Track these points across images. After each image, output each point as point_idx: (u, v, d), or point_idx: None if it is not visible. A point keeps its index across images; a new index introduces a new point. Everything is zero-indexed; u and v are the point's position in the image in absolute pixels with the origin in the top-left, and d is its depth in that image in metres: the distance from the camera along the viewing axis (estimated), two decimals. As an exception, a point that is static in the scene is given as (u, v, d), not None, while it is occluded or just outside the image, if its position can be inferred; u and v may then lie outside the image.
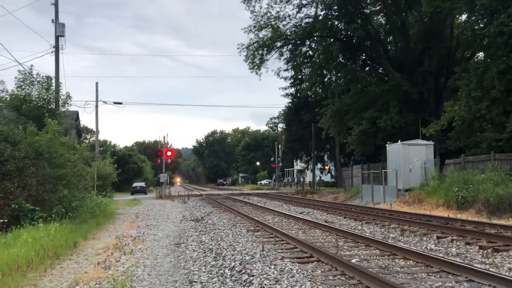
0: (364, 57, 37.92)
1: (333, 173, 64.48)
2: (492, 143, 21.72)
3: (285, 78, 51.93)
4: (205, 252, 9.33)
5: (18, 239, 9.10)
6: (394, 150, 24.69)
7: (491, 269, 7.04)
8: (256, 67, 35.82)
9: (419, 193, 20.23)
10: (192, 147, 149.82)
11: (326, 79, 41.63)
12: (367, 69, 38.16)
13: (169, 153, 40.83)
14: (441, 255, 8.41)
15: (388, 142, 26.21)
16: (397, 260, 8.06)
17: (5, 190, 11.80)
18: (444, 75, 31.19)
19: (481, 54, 28.82)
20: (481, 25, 23.53)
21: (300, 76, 50.66)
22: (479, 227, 11.73)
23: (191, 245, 10.61)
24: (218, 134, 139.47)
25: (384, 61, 33.38)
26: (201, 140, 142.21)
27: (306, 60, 39.72)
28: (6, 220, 11.22)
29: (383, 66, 35.01)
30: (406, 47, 32.84)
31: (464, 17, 29.75)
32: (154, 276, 7.40)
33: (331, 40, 36.03)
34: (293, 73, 48.21)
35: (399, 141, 24.46)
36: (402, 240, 10.64)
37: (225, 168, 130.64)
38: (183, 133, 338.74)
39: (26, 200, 12.17)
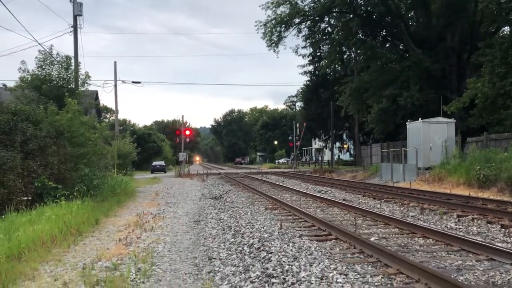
0: (384, 33, 37.18)
1: (352, 152, 64.11)
2: (516, 120, 21.25)
3: (304, 56, 51.45)
4: (224, 230, 9.43)
5: (42, 216, 9.33)
6: (415, 128, 24.38)
7: (512, 248, 6.95)
8: (274, 44, 35.48)
9: (439, 171, 20.01)
10: (210, 126, 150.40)
11: (345, 56, 41.11)
12: (387, 45, 37.44)
13: (187, 132, 41.07)
14: (461, 233, 8.34)
15: (408, 120, 25.88)
16: (416, 239, 8.02)
17: (28, 168, 12.06)
18: (467, 51, 30.43)
19: (506, 29, 27.97)
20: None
21: (318, 54, 50.06)
22: (501, 206, 11.57)
23: (210, 222, 10.73)
24: (236, 113, 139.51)
25: (405, 37, 32.67)
26: (219, 119, 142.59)
27: (324, 37, 39.16)
28: (30, 198, 11.50)
29: (403, 42, 34.29)
30: (428, 22, 32.03)
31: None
32: (174, 252, 7.53)
33: (351, 16, 35.34)
34: (311, 50, 47.68)
35: (420, 119, 24.12)
36: (421, 218, 10.58)
37: (243, 147, 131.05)
38: (201, 112, 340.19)
39: (48, 178, 12.43)
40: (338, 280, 5.02)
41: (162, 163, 53.13)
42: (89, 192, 13.44)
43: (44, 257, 7.02)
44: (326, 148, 67.18)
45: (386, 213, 11.27)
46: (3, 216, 9.59)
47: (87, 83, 21.24)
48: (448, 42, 30.73)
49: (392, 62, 34.90)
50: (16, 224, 8.57)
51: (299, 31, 36.64)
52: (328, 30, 38.71)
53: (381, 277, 5.53)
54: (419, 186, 19.15)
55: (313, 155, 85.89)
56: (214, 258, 6.91)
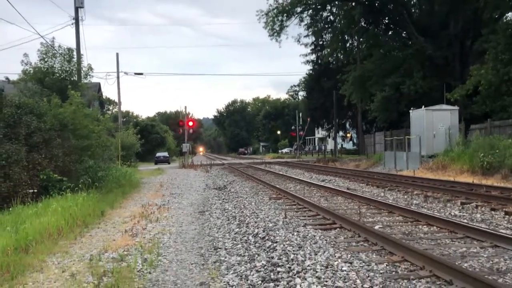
0: (387, 21, 36.88)
1: (355, 141, 64.03)
2: (520, 107, 21.15)
3: (306, 45, 51.15)
4: (228, 220, 9.48)
5: (48, 208, 9.40)
6: (418, 116, 24.30)
7: (517, 235, 6.96)
8: (275, 33, 35.26)
9: (443, 159, 19.97)
10: (213, 117, 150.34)
11: (347, 45, 40.79)
12: (390, 33, 37.16)
13: (190, 123, 41.06)
14: (465, 221, 8.36)
15: (411, 108, 25.79)
16: (420, 227, 8.05)
17: (33, 161, 12.12)
18: (470, 38, 30.19)
19: (510, 15, 27.69)
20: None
21: (321, 42, 49.72)
22: (505, 192, 11.57)
23: (214, 213, 10.79)
24: (238, 104, 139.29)
25: (408, 25, 32.42)
26: (222, 110, 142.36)
27: (327, 26, 38.89)
28: (36, 190, 11.57)
29: (406, 30, 34.03)
30: (431, 9, 31.76)
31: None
32: (179, 243, 7.59)
33: (353, 4, 35.06)
34: (313, 39, 47.32)
35: (423, 106, 24.03)
36: (425, 206, 10.60)
37: (246, 137, 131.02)
38: (204, 103, 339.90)
39: (53, 170, 12.49)
40: (343, 269, 5.06)
41: (166, 154, 53.23)
42: (94, 184, 13.51)
43: (51, 249, 7.09)
44: (329, 137, 67.11)
45: (390, 201, 11.29)
46: (10, 209, 9.67)
47: (89, 75, 21.24)
48: (451, 29, 30.48)
49: (395, 50, 34.67)
50: (22, 216, 8.65)
51: (301, 20, 36.42)
52: (330, 18, 38.46)
53: (386, 265, 5.57)
54: (422, 174, 19.14)
55: (316, 144, 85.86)
56: (220, 248, 6.96)
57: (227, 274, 5.55)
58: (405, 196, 12.62)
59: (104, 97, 48.40)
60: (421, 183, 14.94)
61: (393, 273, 5.28)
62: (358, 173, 22.02)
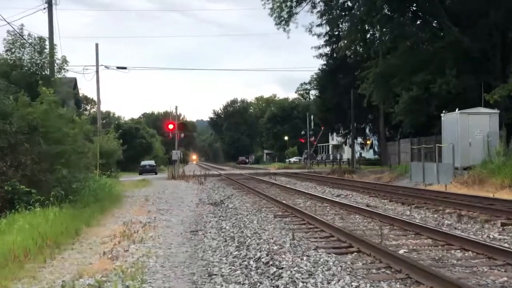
0: (414, 8, 36.95)
1: (376, 149, 63.97)
2: None
3: (319, 35, 51.20)
4: (226, 241, 9.47)
5: (13, 225, 9.42)
6: (451, 120, 24.28)
7: None
8: (283, 22, 35.45)
9: (480, 172, 19.93)
10: (208, 119, 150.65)
11: (368, 36, 40.82)
12: (418, 22, 37.22)
13: (181, 126, 41.18)
14: (506, 245, 8.33)
15: (443, 111, 25.77)
16: (453, 251, 8.03)
17: (-4, 170, 12.15)
18: (513, 28, 30.22)
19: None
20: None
21: (336, 33, 49.83)
22: (553, 212, 11.53)
23: (209, 232, 10.78)
24: (238, 104, 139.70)
25: (439, 12, 32.45)
26: (219, 111, 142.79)
27: (343, 13, 39.02)
28: (-1, 204, 11.59)
29: (437, 18, 34.08)
30: (467, -6, 31.83)
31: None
32: (168, 268, 7.58)
33: (375, -13, 35.18)
34: (328, 28, 47.41)
35: (457, 109, 24.01)
36: (459, 227, 10.58)
37: (247, 144, 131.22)
38: (198, 102, 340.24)
39: (20, 181, 12.51)
40: (361, 300, 5.05)
41: (152, 162, 53.29)
42: (67, 197, 13.52)
43: (16, 274, 7.09)
44: (345, 145, 67.01)
45: (417, 221, 11.27)
46: (-32, 226, 9.68)
47: (64, 69, 21.36)
48: (491, 18, 30.48)
49: (424, 42, 34.74)
50: (-18, 235, 8.65)
51: (314, 6, 36.63)
52: (347, 4, 38.59)
53: (412, 297, 5.55)
54: (456, 189, 19.09)
55: (330, 153, 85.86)
56: (215, 275, 6.96)
57: (223, 305, 5.54)
58: (435, 215, 12.59)
59: (81, 94, 48.59)
60: (454, 200, 14.90)
61: (421, 306, 5.27)
62: (380, 187, 21.96)
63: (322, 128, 60.98)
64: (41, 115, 15.27)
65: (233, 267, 7.23)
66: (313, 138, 70.07)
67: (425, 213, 13.16)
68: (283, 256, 7.27)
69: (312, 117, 69.46)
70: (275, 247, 7.99)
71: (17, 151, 13.20)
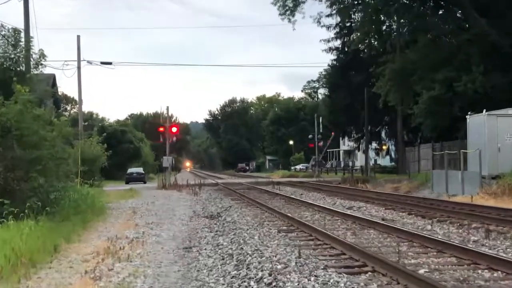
0: (436, -3, 37.09)
1: (393, 155, 63.92)
2: None
3: (328, 27, 51.28)
4: (223, 259, 9.47)
5: (-17, 241, 9.39)
6: (477, 123, 24.26)
7: None
8: (288, 11, 35.57)
9: (510, 181, 19.90)
10: (204, 121, 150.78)
11: (384, 28, 40.99)
12: (440, 13, 37.32)
13: (174, 129, 41.20)
14: (540, 264, 8.31)
15: (469, 113, 25.77)
16: (480, 271, 8.02)
17: (-36, 178, 12.15)
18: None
19: None
20: None
21: (348, 24, 49.91)
22: None
23: (205, 249, 10.79)
24: (238, 104, 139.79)
25: (465, 1, 32.56)
26: (216, 112, 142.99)
27: (356, 2, 39.10)
28: (-33, 217, 11.58)
29: (462, 8, 34.18)
30: (495, -19, 31.92)
31: None
32: (157, 289, 7.57)
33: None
34: (339, 19, 47.56)
35: (484, 111, 24.01)
36: (487, 244, 10.55)
37: (248, 149, 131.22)
38: (193, 102, 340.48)
39: (-9, 191, 12.50)
40: (376, 327, 5.04)
41: (141, 170, 53.31)
42: (45, 209, 13.50)
43: (-13, 295, 7.08)
44: (358, 150, 67.09)
45: (440, 237, 11.26)
46: None
47: (41, 64, 21.34)
48: (523, 8, 30.59)
49: (447, 35, 34.79)
50: None
51: (323, -6, 36.64)
52: (361, -8, 38.67)
53: (434, 323, 5.54)
54: (483, 201, 19.07)
55: (341, 159, 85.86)
56: (211, 297, 6.95)
57: (220, 332, 5.54)
58: (460, 231, 12.57)
59: (60, 93, 48.73)
60: (481, 213, 14.90)
61: (443, 333, 5.26)
62: (397, 199, 21.95)
63: (333, 134, 61.02)
64: (15, 116, 15.26)
65: (231, 289, 7.23)
66: (321, 143, 70.11)
67: (448, 228, 13.13)
68: (288, 276, 7.26)
69: (320, 119, 69.54)
70: (279, 266, 7.98)
71: (-12, 156, 13.20)
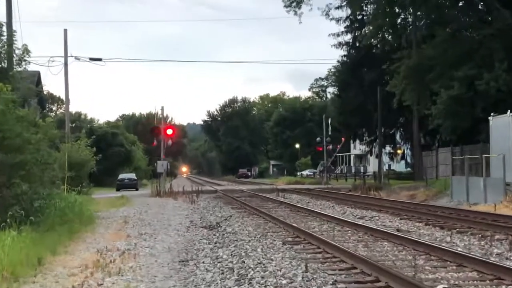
0: (456, -13, 37.13)
1: (408, 160, 63.94)
2: None
3: (338, 20, 51.45)
4: (223, 273, 9.46)
5: (-39, 253, 9.40)
6: (501, 124, 24.25)
7: None
8: (294, 3, 35.71)
9: (537, 188, 19.89)
10: (202, 123, 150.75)
11: (398, 21, 41.02)
12: (460, 4, 37.36)
13: (169, 131, 41.19)
14: None
15: (491, 114, 25.75)
16: (504, 287, 8.00)
17: None
18: None
19: None
20: None
21: (360, 17, 50.02)
22: None
23: (203, 262, 10.78)
24: (239, 103, 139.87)
25: (487, -8, 32.60)
26: (215, 112, 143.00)
27: (369, -7, 39.14)
28: None
29: (485, 0, 34.18)
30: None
31: None
32: (151, 306, 7.58)
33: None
34: (349, 12, 47.73)
35: (509, 111, 24.00)
36: (511, 257, 10.54)
37: (250, 153, 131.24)
38: (190, 102, 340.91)
39: (-30, 198, 12.52)
40: None
41: (133, 176, 53.37)
42: (28, 218, 13.51)
43: (-34, 312, 7.10)
44: (370, 155, 67.06)
45: (460, 249, 11.25)
46: None
47: (25, 60, 21.38)
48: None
49: (468, 28, 34.78)
50: None
51: (332, -16, 36.71)
52: (374, -18, 38.73)
53: None
54: (507, 210, 19.04)
55: (351, 164, 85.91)
56: (210, 315, 6.96)
57: None
58: (482, 243, 12.54)
59: (45, 92, 48.75)
60: (505, 223, 14.84)
61: None
62: (413, 208, 21.93)
63: (344, 139, 60.85)
64: (-4, 117, 15.31)
65: (232, 306, 7.23)
66: (330, 146, 69.93)
67: (469, 239, 13.11)
68: (294, 292, 7.25)
69: (329, 120, 69.51)
70: (284, 281, 7.98)
71: (-34, 161, 13.22)
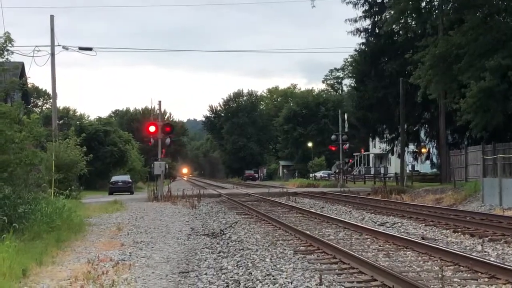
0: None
1: (434, 160, 63.74)
2: None
3: (355, 4, 51.37)
4: (228, 286, 9.48)
5: None
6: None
7: None
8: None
9: None
10: (203, 119, 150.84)
11: (423, 4, 40.86)
12: (493, -15, 37.20)
13: (167, 128, 41.19)
14: None
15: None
16: (542, 302, 7.99)
17: None
18: None
19: None
20: None
21: (380, 0, 49.90)
22: None
23: (205, 274, 10.78)
24: (245, 97, 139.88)
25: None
26: (218, 107, 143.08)
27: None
28: None
29: (519, -20, 34.06)
30: None
31: None
32: (148, 322, 7.59)
33: None
34: (368, -5, 47.53)
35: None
36: (550, 268, 10.51)
37: (257, 153, 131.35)
38: (190, 97, 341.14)
39: None
40: None
41: (127, 178, 53.49)
42: (11, 225, 13.58)
43: None
44: (392, 154, 66.85)
45: (492, 259, 11.23)
46: None
47: (8, 50, 21.40)
48: None
49: (501, 13, 34.63)
50: None
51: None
52: (395, -39, 38.61)
53: None
54: (546, 216, 18.98)
55: (371, 165, 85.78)
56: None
57: None
58: (517, 252, 12.52)
59: (30, 85, 48.94)
60: (544, 231, 14.81)
61: None
62: (440, 213, 21.90)
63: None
64: (-24, 113, 15.38)
65: (238, 322, 7.24)
66: (347, 145, 69.79)
67: (503, 248, 13.08)
68: (307, 307, 7.25)
69: (346, 115, 69.40)
70: (296, 295, 7.98)
71: None
